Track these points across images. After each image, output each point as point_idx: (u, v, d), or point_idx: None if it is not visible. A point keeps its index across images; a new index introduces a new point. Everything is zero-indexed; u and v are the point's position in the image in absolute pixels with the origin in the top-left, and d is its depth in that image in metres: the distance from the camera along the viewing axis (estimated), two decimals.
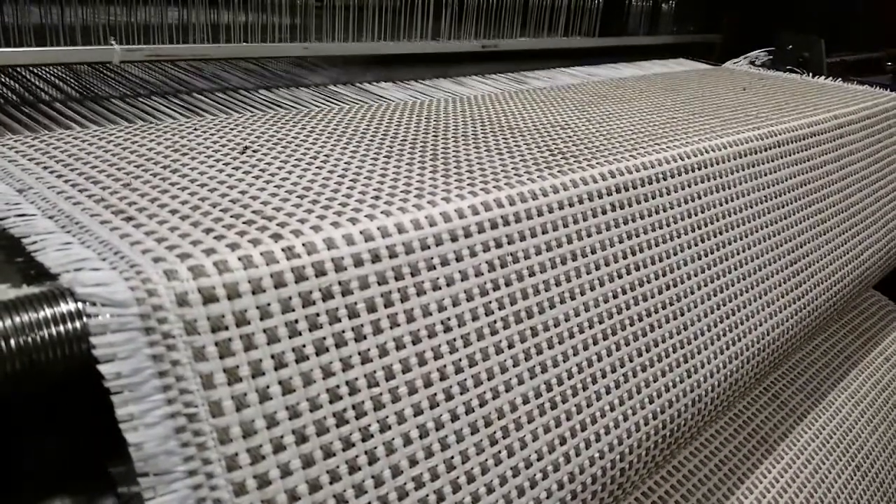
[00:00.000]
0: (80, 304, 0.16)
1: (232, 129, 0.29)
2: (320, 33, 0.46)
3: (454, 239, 0.22)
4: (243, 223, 0.19)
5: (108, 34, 0.37)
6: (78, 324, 0.17)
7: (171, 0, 0.39)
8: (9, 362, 0.16)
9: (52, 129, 0.31)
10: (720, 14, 0.78)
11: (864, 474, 0.51)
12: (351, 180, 0.24)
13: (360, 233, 0.20)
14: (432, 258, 0.21)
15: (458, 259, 0.22)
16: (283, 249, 0.18)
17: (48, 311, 0.17)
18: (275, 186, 0.23)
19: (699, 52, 0.75)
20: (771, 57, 0.69)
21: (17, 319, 0.16)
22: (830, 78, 0.62)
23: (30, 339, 0.16)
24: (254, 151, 0.26)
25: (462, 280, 0.22)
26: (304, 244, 0.18)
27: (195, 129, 0.28)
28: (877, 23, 0.74)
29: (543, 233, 0.25)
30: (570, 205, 0.26)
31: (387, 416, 0.19)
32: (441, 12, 0.52)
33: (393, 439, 0.19)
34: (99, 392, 0.15)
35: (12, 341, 0.16)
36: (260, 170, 0.24)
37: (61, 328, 0.17)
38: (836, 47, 0.69)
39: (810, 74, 0.63)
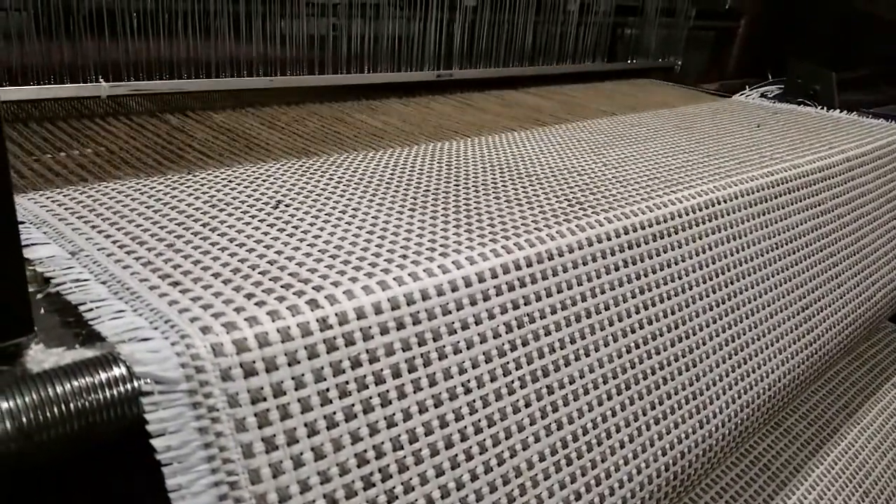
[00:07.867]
0: (132, 374, 0.18)
1: (265, 182, 0.30)
2: None
3: (473, 303, 0.23)
4: (281, 287, 0.21)
5: None
6: (129, 387, 0.18)
7: None
8: (67, 424, 0.18)
9: None
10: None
11: (873, 502, 0.52)
12: (379, 237, 0.25)
13: (388, 300, 0.21)
14: (453, 322, 0.22)
15: (478, 322, 0.23)
16: (317, 320, 0.19)
17: (102, 376, 0.18)
18: (308, 245, 0.24)
19: None
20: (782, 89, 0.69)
21: (76, 384, 0.18)
22: (844, 112, 0.62)
23: (87, 403, 0.18)
24: (286, 206, 0.28)
25: (481, 342, 0.23)
26: (336, 314, 0.20)
27: (230, 182, 0.30)
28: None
29: (559, 292, 0.26)
30: (585, 263, 0.27)
31: (410, 479, 0.20)
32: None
33: (416, 500, 0.20)
34: (145, 450, 0.17)
35: (71, 405, 0.18)
36: (293, 227, 0.26)
37: (115, 391, 0.18)
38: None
39: (823, 108, 0.64)
